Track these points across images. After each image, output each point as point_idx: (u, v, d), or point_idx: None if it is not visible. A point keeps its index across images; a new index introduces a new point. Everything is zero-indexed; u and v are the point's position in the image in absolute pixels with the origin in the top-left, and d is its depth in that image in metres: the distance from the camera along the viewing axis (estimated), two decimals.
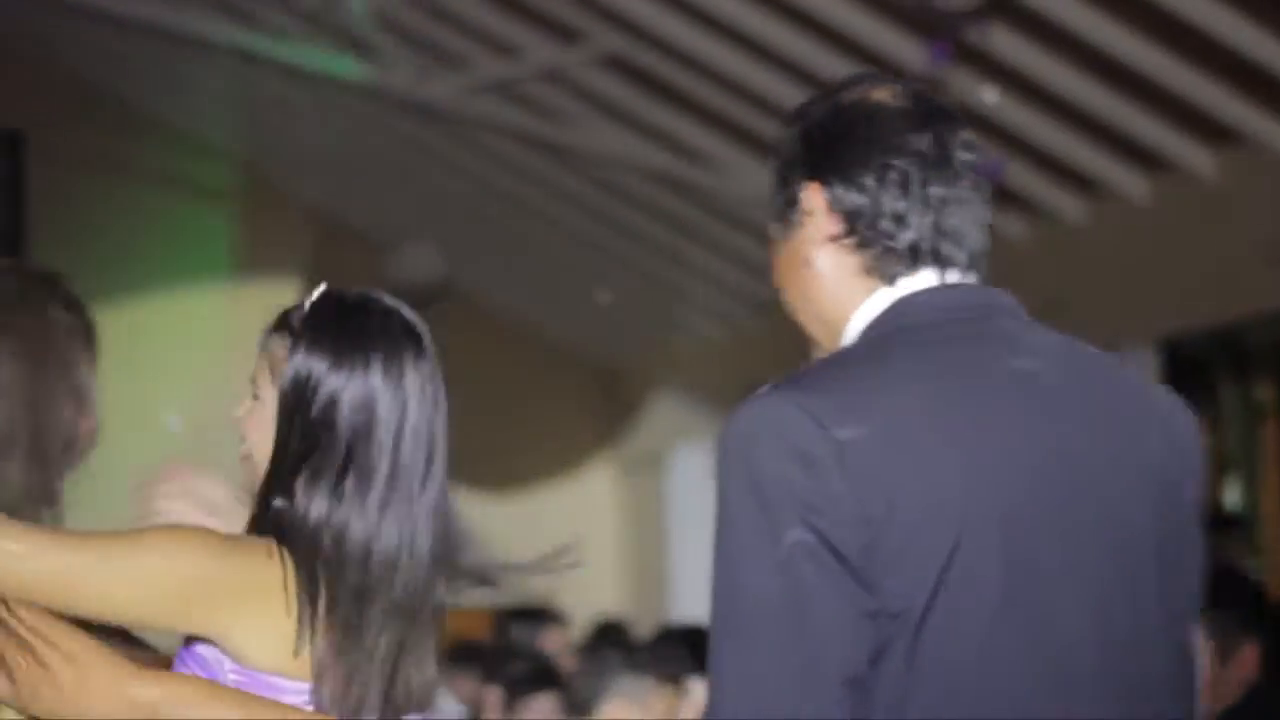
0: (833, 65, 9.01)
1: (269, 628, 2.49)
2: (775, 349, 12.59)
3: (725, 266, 12.07)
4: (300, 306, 2.72)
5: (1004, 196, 9.36)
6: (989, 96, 8.60)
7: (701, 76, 9.66)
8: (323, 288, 2.74)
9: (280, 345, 2.69)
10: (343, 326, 2.62)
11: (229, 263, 14.22)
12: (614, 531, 14.99)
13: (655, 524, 14.08)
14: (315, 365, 2.60)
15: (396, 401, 2.61)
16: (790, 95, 9.38)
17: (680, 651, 5.50)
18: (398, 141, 12.27)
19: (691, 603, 12.99)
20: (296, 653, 2.49)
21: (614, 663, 5.15)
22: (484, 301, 14.54)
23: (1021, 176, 9.24)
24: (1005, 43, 8.35)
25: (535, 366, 14.69)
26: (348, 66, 10.52)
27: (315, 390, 2.57)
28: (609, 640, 6.86)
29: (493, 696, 7.48)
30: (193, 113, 13.68)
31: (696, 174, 10.66)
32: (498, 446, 14.60)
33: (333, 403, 2.57)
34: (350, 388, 2.58)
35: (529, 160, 11.58)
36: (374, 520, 2.56)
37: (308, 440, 2.57)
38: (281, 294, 13.92)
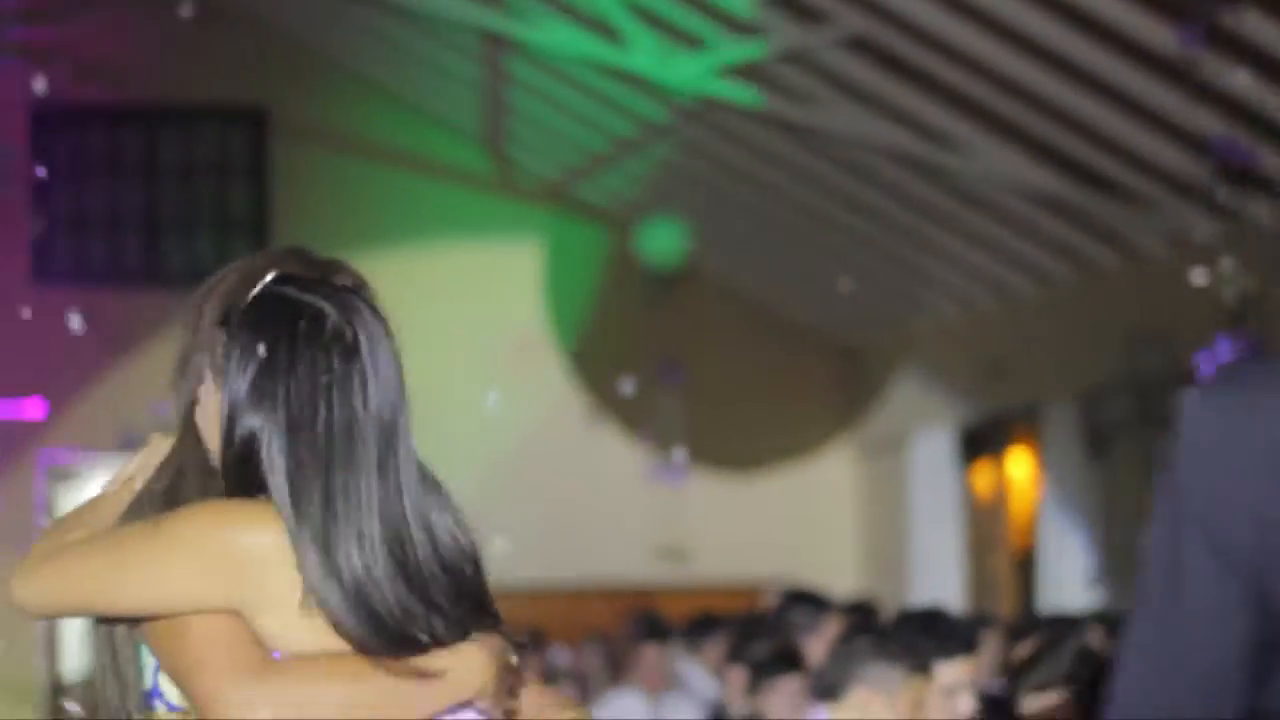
0: (1081, 49, 8.92)
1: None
2: (1014, 331, 12.60)
3: (966, 248, 12.00)
4: (238, 304, 2.61)
5: (1254, 181, 9.20)
6: (1241, 80, 8.46)
7: (946, 58, 9.61)
8: (266, 282, 2.63)
9: (219, 345, 2.62)
10: (269, 344, 2.55)
11: (467, 238, 14.43)
12: (853, 514, 14.98)
13: (894, 506, 14.04)
14: (236, 397, 2.55)
15: (320, 417, 2.54)
16: (1035, 79, 9.31)
17: (925, 638, 5.46)
18: (639, 122, 12.37)
19: (929, 586, 12.95)
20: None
21: (863, 649, 5.13)
22: (726, 282, 14.59)
23: (1272, 161, 9.07)
24: (1257, 26, 8.21)
25: (776, 347, 14.72)
26: (593, 47, 10.63)
27: (234, 424, 2.54)
28: (859, 624, 6.83)
29: (736, 676, 7.52)
30: (434, 90, 13.89)
31: (939, 155, 10.61)
32: (739, 426, 14.67)
33: (252, 438, 2.56)
34: (268, 425, 2.52)
35: (772, 142, 11.61)
36: (326, 549, 2.49)
37: (241, 469, 2.54)
38: (521, 269, 14.19)
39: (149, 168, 14.54)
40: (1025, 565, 12.65)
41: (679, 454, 14.21)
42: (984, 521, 13.47)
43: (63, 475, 14.28)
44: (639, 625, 10.04)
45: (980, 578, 13.42)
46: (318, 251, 2.86)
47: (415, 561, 2.49)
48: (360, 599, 2.43)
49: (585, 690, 10.97)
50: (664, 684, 9.43)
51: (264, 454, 2.50)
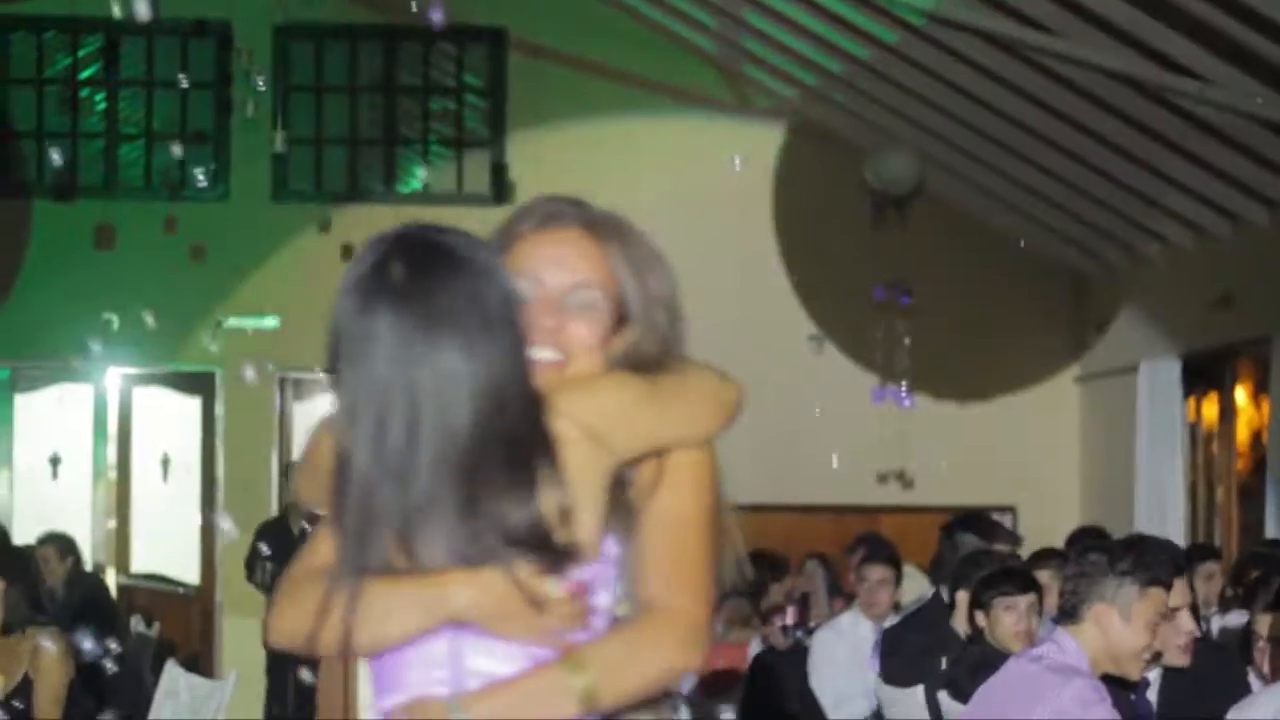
0: None
1: None
2: (1245, 261, 12.43)
3: (1200, 176, 11.87)
4: None
5: None
6: None
7: None
8: None
9: None
10: None
11: (701, 159, 14.50)
12: (1078, 443, 14.91)
13: (1119, 436, 13.94)
14: None
15: None
16: (1273, 4, 9.18)
17: (1162, 558, 5.49)
18: (874, 44, 12.36)
19: (1154, 516, 12.87)
20: None
21: (1100, 567, 5.19)
22: (955, 206, 14.55)
23: None
24: None
25: (1004, 273, 14.67)
26: None
27: None
28: (1089, 546, 6.85)
29: (963, 598, 7.57)
30: (670, 11, 13.94)
31: (1175, 81, 10.51)
32: (964, 352, 14.65)
33: None
34: None
35: (1006, 66, 11.56)
36: None
37: None
38: (753, 191, 14.19)
39: (387, 85, 14.80)
40: (1250, 496, 12.54)
41: (904, 378, 14.23)
42: (1209, 452, 13.35)
43: (300, 390, 14.64)
44: (864, 547, 10.11)
45: (1205, 508, 13.32)
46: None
47: None
48: None
49: (806, 611, 11.08)
50: (889, 607, 9.50)
51: None
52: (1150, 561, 5.21)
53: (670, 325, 2.99)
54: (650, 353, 2.94)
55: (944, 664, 7.61)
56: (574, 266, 2.96)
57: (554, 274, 2.95)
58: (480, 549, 2.75)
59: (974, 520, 9.29)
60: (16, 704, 7.26)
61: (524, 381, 2.79)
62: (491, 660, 2.77)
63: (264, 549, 12.57)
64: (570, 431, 2.77)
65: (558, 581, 2.76)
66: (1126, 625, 5.08)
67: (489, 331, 2.78)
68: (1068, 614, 5.17)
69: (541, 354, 2.87)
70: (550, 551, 2.75)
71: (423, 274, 2.86)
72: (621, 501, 2.85)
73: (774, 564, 11.36)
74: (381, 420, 2.73)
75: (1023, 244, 14.37)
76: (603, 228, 3.03)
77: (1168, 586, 5.22)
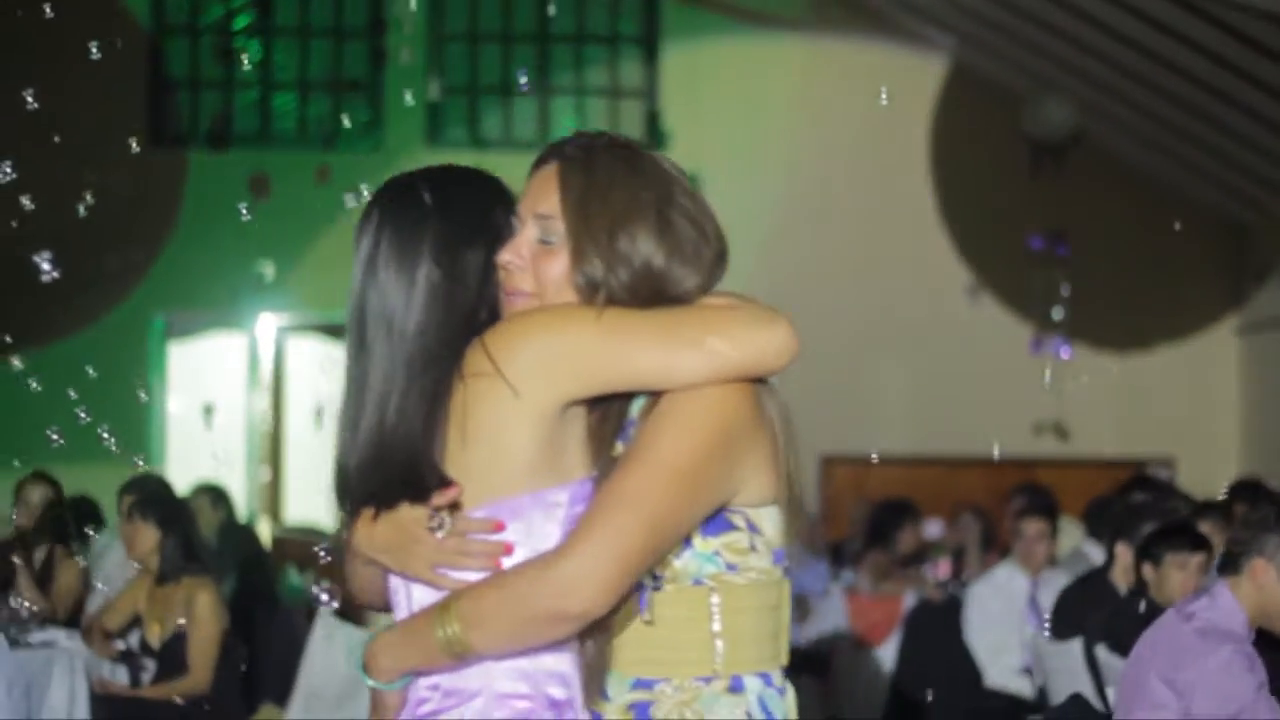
0: None
1: None
2: None
3: None
4: None
5: None
6: None
7: None
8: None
9: None
10: None
11: (856, 108, 14.36)
12: (1237, 394, 14.65)
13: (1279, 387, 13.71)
14: None
15: None
16: None
17: None
18: None
19: None
20: None
21: (1266, 521, 5.06)
22: (1114, 155, 14.31)
23: None
24: None
25: (1163, 222, 14.40)
26: None
27: None
28: (1252, 498, 6.70)
29: (1124, 552, 7.44)
30: None
31: None
32: (1122, 302, 14.43)
33: None
34: None
35: (1169, 12, 11.33)
36: None
37: None
38: (910, 138, 14.08)
39: (542, 36, 14.77)
40: None
41: (1061, 329, 14.05)
42: None
43: None
44: (1023, 499, 9.97)
45: None
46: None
47: None
48: None
49: (960, 563, 10.97)
50: (1046, 560, 9.36)
51: None
52: None
53: (616, 250, 2.82)
54: (599, 280, 2.80)
55: (1101, 618, 7.49)
56: (536, 201, 2.93)
57: (524, 210, 2.93)
58: (383, 488, 2.86)
59: (1147, 481, 9.14)
60: (171, 651, 7.32)
61: (442, 317, 2.84)
62: (432, 598, 2.80)
63: None
64: (480, 366, 2.75)
65: (438, 518, 2.78)
66: None
67: (414, 268, 2.87)
68: (1228, 565, 5.06)
69: (513, 291, 2.87)
70: (422, 488, 2.79)
71: (381, 211, 2.98)
72: (599, 437, 2.80)
73: (901, 511, 11.23)
74: (347, 351, 3.03)
75: (1182, 193, 14.12)
76: (571, 159, 2.94)
77: None
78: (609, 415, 2.80)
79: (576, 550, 2.64)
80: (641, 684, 2.75)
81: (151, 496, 7.55)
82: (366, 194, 2.99)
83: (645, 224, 2.82)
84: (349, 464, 2.96)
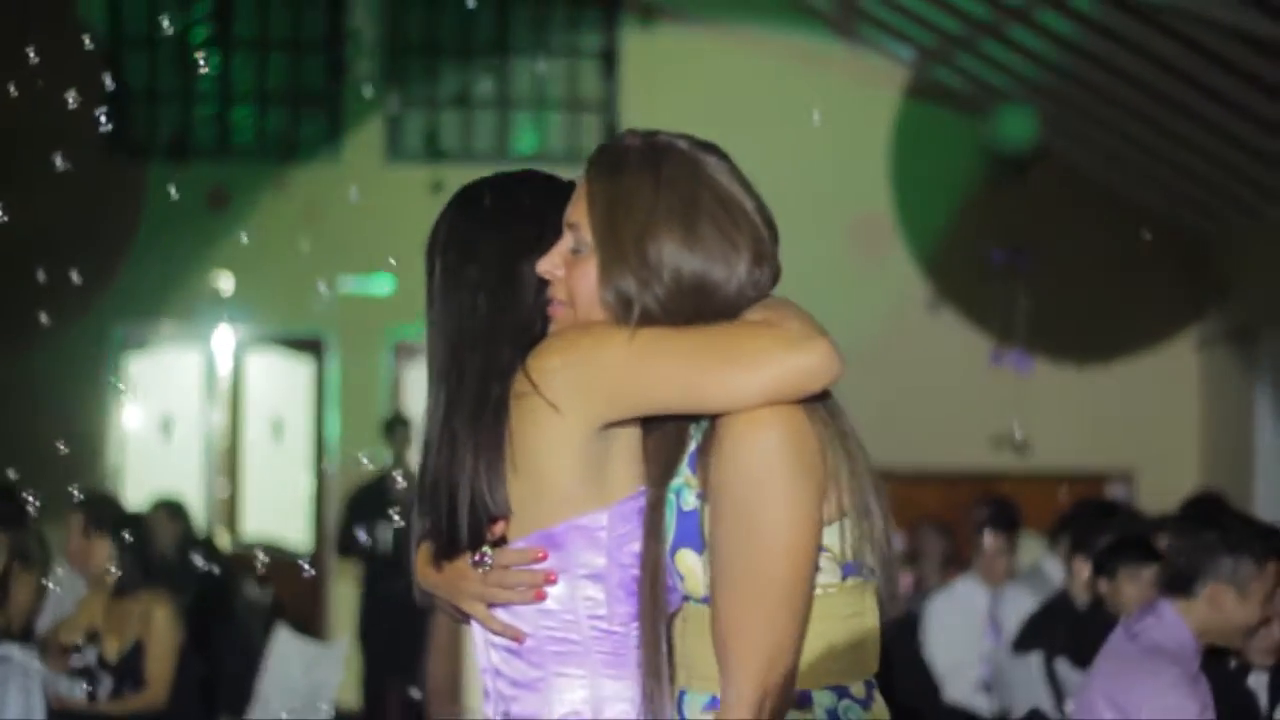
0: None
1: None
2: None
3: None
4: None
5: None
6: None
7: None
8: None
9: None
10: None
11: (816, 121, 14.37)
12: (1197, 408, 14.68)
13: (1240, 401, 13.73)
14: None
15: None
16: None
17: (1272, 530, 5.35)
18: (994, 5, 12.18)
19: (1274, 486, 12.66)
20: None
21: (1212, 543, 5.06)
22: (1074, 168, 14.34)
23: None
24: None
25: (1124, 235, 14.43)
26: None
27: None
28: (1201, 521, 6.71)
29: (1081, 566, 7.45)
30: None
31: None
32: (1083, 314, 14.46)
33: None
34: None
35: (1127, 25, 11.36)
36: None
37: None
38: (869, 152, 14.04)
39: (501, 49, 14.75)
40: None
41: (1021, 342, 14.07)
42: None
43: (410, 353, 14.60)
44: (985, 512, 9.97)
45: None
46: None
47: None
48: None
49: (921, 575, 10.96)
50: (1006, 573, 9.37)
51: None
52: (1265, 535, 5.10)
53: (646, 261, 2.76)
54: (632, 295, 2.75)
55: (1060, 632, 7.51)
56: (570, 208, 2.89)
57: (565, 218, 2.89)
58: (434, 524, 2.86)
59: (1105, 505, 9.15)
60: (128, 665, 7.28)
61: (490, 334, 2.82)
62: (487, 638, 2.90)
63: (360, 533, 12.15)
64: (523, 387, 2.73)
65: (480, 553, 2.79)
66: (1242, 603, 4.99)
67: (467, 282, 2.87)
68: (1178, 588, 5.05)
69: (553, 300, 2.85)
70: (456, 523, 2.78)
71: (446, 224, 3.04)
72: (658, 460, 2.77)
73: None
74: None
75: (1143, 206, 14.16)
76: (598, 164, 2.91)
77: None
78: (667, 437, 2.76)
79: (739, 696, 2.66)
80: (714, 703, 2.72)
81: (106, 510, 7.51)
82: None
83: (670, 231, 2.77)
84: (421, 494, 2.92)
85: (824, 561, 2.72)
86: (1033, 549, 10.40)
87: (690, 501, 2.73)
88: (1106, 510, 8.96)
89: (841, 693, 2.74)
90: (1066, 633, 7.41)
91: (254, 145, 14.60)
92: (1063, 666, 7.30)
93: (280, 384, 14.67)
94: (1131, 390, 14.59)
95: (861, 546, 2.76)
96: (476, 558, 2.78)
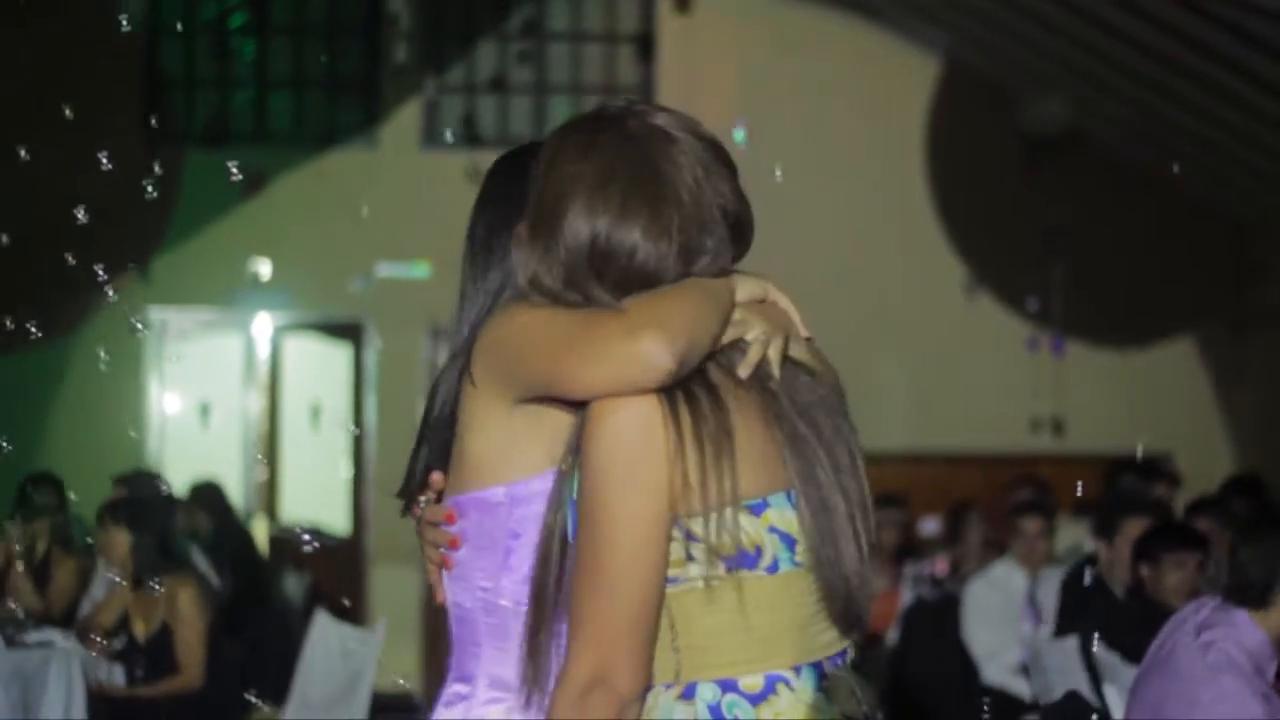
0: None
1: None
2: None
3: None
4: None
5: None
6: None
7: None
8: None
9: None
10: None
11: (847, 106, 14.35)
12: (1236, 390, 14.64)
13: (1278, 383, 13.69)
14: None
15: None
16: None
17: None
18: None
19: None
20: None
21: None
22: (1113, 151, 14.30)
23: None
24: None
25: (1162, 219, 14.39)
26: None
27: None
28: (1263, 522, 6.68)
29: (1106, 548, 7.44)
30: None
31: None
32: (1121, 299, 14.42)
33: None
34: None
35: (1164, 7, 11.32)
36: None
37: None
38: (904, 136, 14.06)
39: (538, 33, 14.75)
40: None
41: (1058, 325, 14.04)
42: None
43: (447, 337, 14.60)
44: (1022, 495, 9.95)
45: None
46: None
47: None
48: None
49: (960, 559, 10.95)
50: (1044, 557, 9.36)
51: None
52: None
53: (555, 227, 2.73)
54: (534, 268, 2.75)
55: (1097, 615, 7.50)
56: None
57: None
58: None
59: (1134, 463, 9.13)
60: (156, 649, 7.33)
61: (476, 299, 3.01)
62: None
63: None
64: (472, 361, 2.82)
65: (419, 505, 3.00)
66: None
67: (465, 255, 3.07)
68: (1253, 598, 4.97)
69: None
70: (413, 467, 3.02)
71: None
72: (568, 436, 2.76)
73: (882, 506, 11.21)
74: None
75: (1181, 190, 14.11)
76: (546, 141, 2.87)
77: None
78: (577, 420, 2.74)
79: (578, 657, 2.65)
80: (725, 685, 2.73)
81: (120, 501, 7.55)
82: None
83: (578, 197, 2.73)
84: None
85: (696, 552, 2.67)
86: (1071, 531, 10.40)
87: (576, 489, 2.73)
88: (1133, 469, 8.94)
89: (727, 686, 2.69)
90: (1104, 617, 7.40)
91: (291, 131, 14.63)
92: (1100, 650, 7.29)
93: (318, 370, 14.71)
94: (1168, 373, 14.56)
95: (809, 538, 2.70)
96: (414, 507, 2.98)
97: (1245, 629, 4.92)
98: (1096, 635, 7.19)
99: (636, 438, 2.63)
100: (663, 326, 2.61)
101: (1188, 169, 13.95)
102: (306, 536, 11.35)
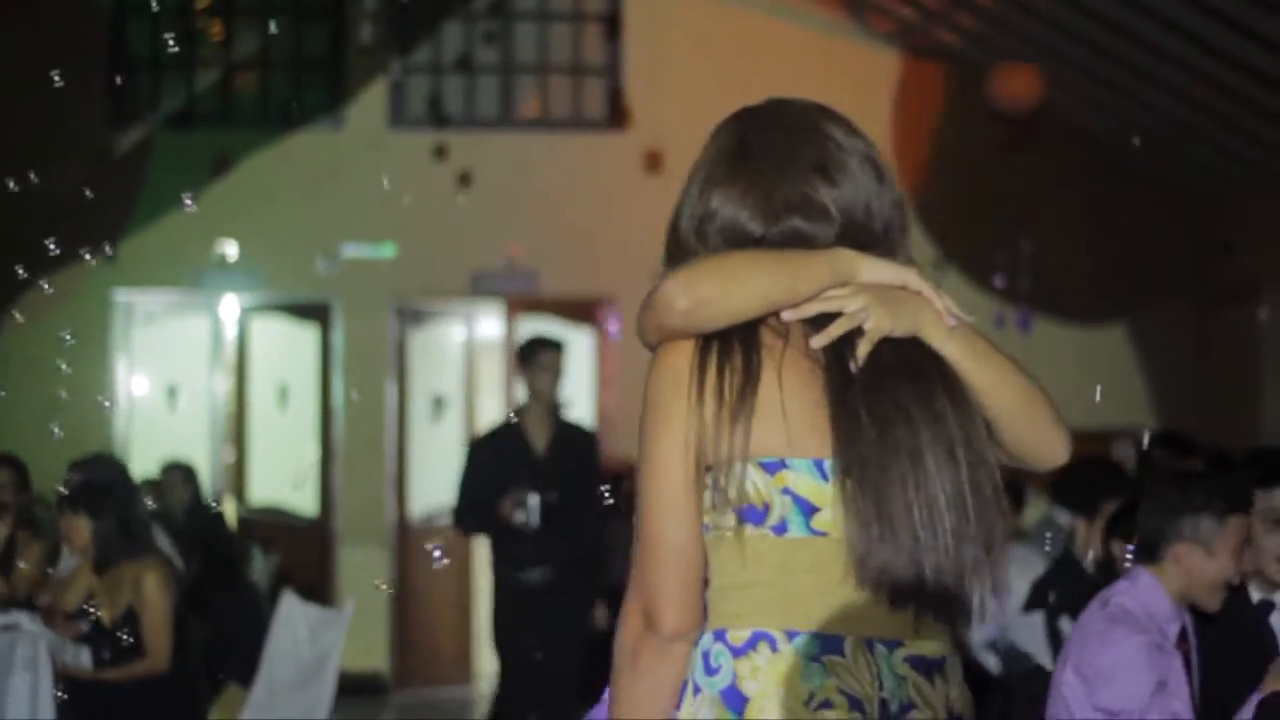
0: None
1: None
2: None
3: None
4: None
5: None
6: None
7: None
8: None
9: None
10: None
11: (816, 82, 14.34)
12: (1201, 367, 14.70)
13: (1243, 360, 13.74)
14: None
15: None
16: None
17: (1236, 483, 5.32)
18: None
19: (1277, 442, 12.66)
20: None
21: (1173, 505, 5.06)
22: (1081, 127, 14.33)
23: None
24: None
25: (1127, 196, 14.42)
26: None
27: None
28: (1163, 481, 6.71)
29: (1084, 525, 7.44)
30: None
31: None
32: (1087, 275, 14.46)
33: None
34: None
35: None
36: None
37: None
38: (869, 112, 13.99)
39: (504, 13, 14.72)
40: None
41: (1025, 302, 14.07)
42: None
43: (414, 317, 14.62)
44: None
45: None
46: None
47: None
48: None
49: None
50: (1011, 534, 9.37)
51: None
52: (1224, 491, 5.09)
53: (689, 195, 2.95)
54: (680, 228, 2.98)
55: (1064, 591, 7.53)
56: None
57: None
58: None
59: (1166, 438, 9.06)
60: (124, 633, 7.31)
61: None
62: None
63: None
64: None
65: None
66: (1211, 559, 4.99)
67: None
68: (1146, 553, 5.06)
69: None
70: None
71: None
72: None
73: None
74: None
75: (1146, 166, 14.14)
76: None
77: (1247, 511, 5.09)
78: None
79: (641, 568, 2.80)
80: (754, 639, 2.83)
81: (78, 487, 7.52)
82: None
83: (698, 175, 2.95)
84: None
85: (719, 501, 2.75)
86: (1039, 507, 10.43)
87: None
88: (1107, 469, 8.95)
89: (719, 635, 2.74)
90: (1071, 592, 7.42)
91: (257, 112, 14.59)
92: (1065, 625, 7.32)
93: (285, 350, 14.68)
94: (1135, 349, 14.60)
95: (839, 512, 2.72)
96: None
97: (1146, 587, 5.00)
98: (1063, 611, 7.22)
99: (665, 383, 2.77)
100: (691, 273, 2.76)
101: (1155, 147, 13.99)
102: (437, 554, 11.26)
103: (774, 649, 2.70)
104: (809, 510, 2.71)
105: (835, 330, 2.78)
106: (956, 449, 2.78)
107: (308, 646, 8.21)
